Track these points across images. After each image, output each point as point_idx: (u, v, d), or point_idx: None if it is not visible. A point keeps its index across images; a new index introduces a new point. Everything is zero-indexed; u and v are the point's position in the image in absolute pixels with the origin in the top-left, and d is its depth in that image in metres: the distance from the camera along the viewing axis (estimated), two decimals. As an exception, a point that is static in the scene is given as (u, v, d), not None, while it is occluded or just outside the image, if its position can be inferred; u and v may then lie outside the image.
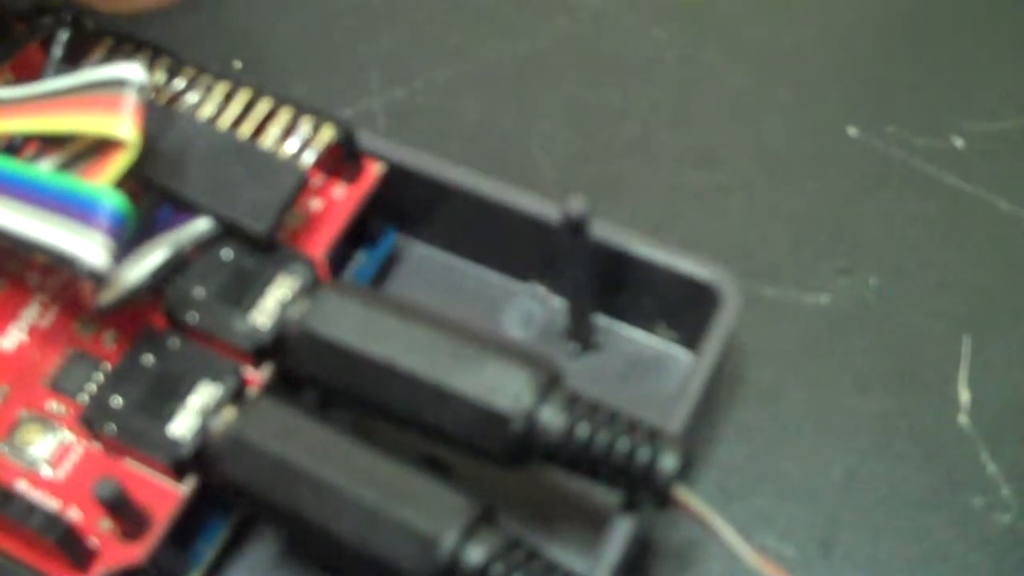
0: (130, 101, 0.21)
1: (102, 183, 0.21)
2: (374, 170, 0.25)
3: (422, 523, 0.20)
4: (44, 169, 0.22)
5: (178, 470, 0.22)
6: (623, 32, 0.32)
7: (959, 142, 0.29)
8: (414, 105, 0.30)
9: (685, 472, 0.21)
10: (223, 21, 0.32)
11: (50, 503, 0.22)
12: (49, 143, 0.23)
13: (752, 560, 0.20)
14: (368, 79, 0.31)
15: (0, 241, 0.22)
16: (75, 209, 0.21)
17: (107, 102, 0.21)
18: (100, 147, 0.22)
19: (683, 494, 0.21)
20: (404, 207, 0.27)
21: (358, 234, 0.26)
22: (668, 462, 0.21)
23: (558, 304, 0.27)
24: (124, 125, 0.21)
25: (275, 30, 0.32)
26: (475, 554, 0.20)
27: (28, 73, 0.26)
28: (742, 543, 0.20)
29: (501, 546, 0.20)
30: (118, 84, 0.22)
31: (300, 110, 0.24)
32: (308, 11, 0.32)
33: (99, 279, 0.21)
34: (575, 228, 0.23)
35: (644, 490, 0.21)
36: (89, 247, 0.21)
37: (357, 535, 0.20)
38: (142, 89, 0.22)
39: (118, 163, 0.21)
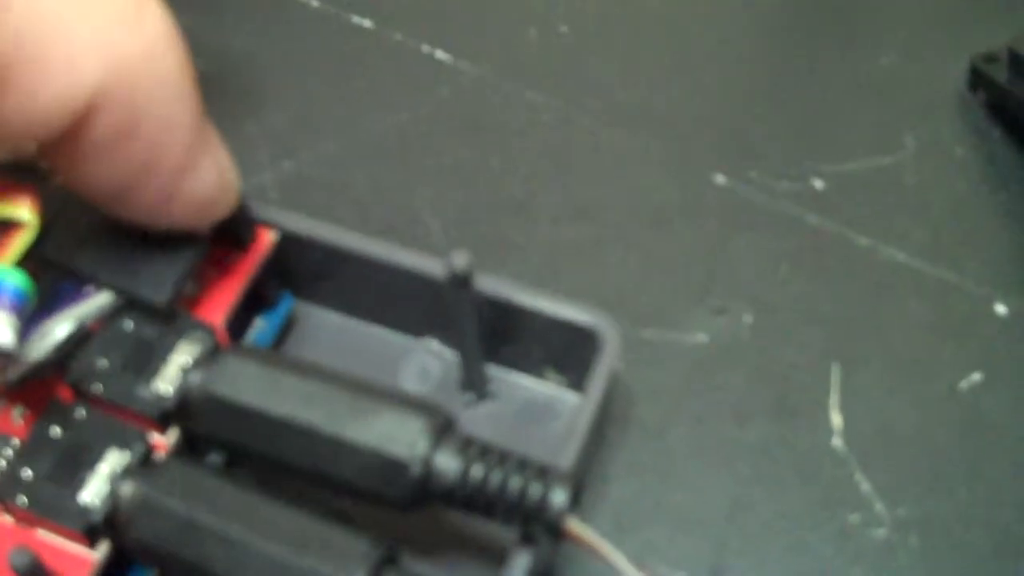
0: (28, 185, 0.22)
1: (3, 263, 0.22)
2: (268, 237, 0.26)
3: (329, 570, 0.21)
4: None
5: (90, 536, 0.22)
6: (501, 98, 0.33)
7: (818, 183, 0.31)
8: (304, 177, 0.32)
9: (575, 505, 0.22)
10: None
11: (-36, 577, 0.22)
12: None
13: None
14: (257, 155, 0.32)
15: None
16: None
17: (5, 186, 0.22)
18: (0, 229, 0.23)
19: (575, 526, 0.22)
20: (298, 272, 0.28)
21: (255, 300, 0.27)
22: (558, 496, 0.22)
23: (452, 357, 0.28)
24: (23, 207, 0.22)
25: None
26: (381, 596, 0.21)
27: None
28: (632, 569, 0.22)
29: (406, 586, 0.21)
30: (15, 170, 0.23)
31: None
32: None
33: (6, 356, 0.22)
34: (460, 282, 0.25)
35: (538, 524, 0.22)
36: (-7, 326, 0.21)
37: (267, 586, 0.21)
38: (39, 173, 0.23)
39: (18, 243, 0.22)
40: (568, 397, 0.27)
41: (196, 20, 0.34)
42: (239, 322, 0.27)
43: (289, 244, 0.27)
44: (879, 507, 0.26)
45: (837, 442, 0.27)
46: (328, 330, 0.28)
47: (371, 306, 0.28)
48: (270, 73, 0.34)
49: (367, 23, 0.35)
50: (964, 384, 0.28)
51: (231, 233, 0.26)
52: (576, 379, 0.27)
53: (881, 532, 0.26)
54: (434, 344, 0.28)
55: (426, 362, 0.28)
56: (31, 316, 0.23)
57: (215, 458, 0.24)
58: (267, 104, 0.33)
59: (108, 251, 0.24)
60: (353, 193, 0.31)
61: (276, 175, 0.32)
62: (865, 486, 0.27)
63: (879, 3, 0.36)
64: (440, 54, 0.34)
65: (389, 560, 0.22)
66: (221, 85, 0.34)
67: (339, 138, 0.32)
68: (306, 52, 0.34)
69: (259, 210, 0.26)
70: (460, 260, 0.24)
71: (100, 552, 0.23)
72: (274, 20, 0.35)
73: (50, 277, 0.24)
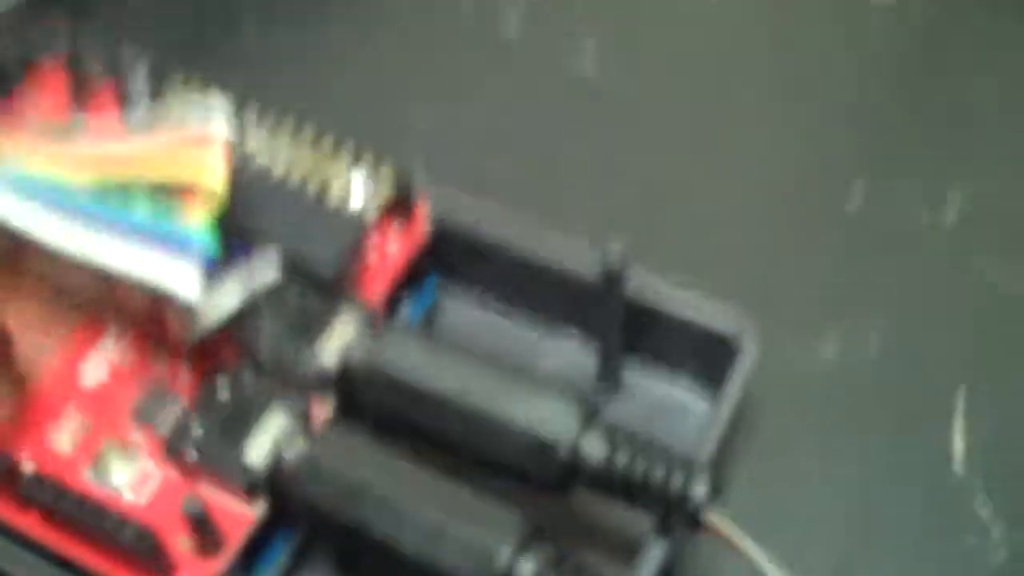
0: (216, 153, 0.24)
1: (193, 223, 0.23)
2: (424, 224, 0.28)
3: (480, 537, 0.22)
4: (138, 211, 0.24)
5: (252, 492, 0.24)
6: (648, 112, 0.34)
7: (951, 217, 0.32)
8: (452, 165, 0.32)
9: (716, 497, 0.23)
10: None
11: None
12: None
13: (778, 576, 0.22)
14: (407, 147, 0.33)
15: (97, 278, 0.24)
16: (170, 246, 0.23)
17: (195, 154, 0.24)
18: (187, 193, 0.24)
19: (715, 518, 0.23)
20: (449, 259, 0.29)
21: (406, 282, 0.28)
22: (700, 487, 0.23)
23: (588, 351, 0.29)
24: (211, 175, 0.24)
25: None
26: (528, 566, 0.22)
27: (103, 111, 0.28)
28: (772, 566, 0.22)
29: (551, 559, 0.22)
30: (205, 138, 0.24)
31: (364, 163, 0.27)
32: (355, 76, 0.35)
33: (191, 310, 0.23)
34: (613, 277, 0.26)
35: (677, 514, 0.23)
36: (184, 281, 0.23)
37: (420, 549, 0.22)
38: (226, 143, 0.24)
39: (206, 204, 0.24)
40: (699, 401, 0.28)
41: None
42: (392, 302, 0.28)
43: (444, 231, 0.28)
44: (997, 532, 0.27)
45: (958, 466, 0.28)
46: (470, 317, 0.29)
47: (515, 295, 0.29)
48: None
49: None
50: (1090, 421, 0.29)
51: (394, 218, 0.27)
52: (709, 383, 0.28)
53: (998, 556, 0.27)
54: (572, 337, 0.29)
55: (563, 354, 0.29)
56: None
57: (367, 428, 0.25)
58: (417, 103, 0.34)
59: (283, 224, 0.26)
60: (498, 189, 0.32)
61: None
62: (984, 510, 0.27)
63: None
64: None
65: (537, 534, 0.23)
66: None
67: (482, 142, 0.34)
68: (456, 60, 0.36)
69: (420, 197, 0.28)
70: (614, 253, 0.25)
71: (258, 509, 0.24)
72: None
73: (224, 241, 0.25)
